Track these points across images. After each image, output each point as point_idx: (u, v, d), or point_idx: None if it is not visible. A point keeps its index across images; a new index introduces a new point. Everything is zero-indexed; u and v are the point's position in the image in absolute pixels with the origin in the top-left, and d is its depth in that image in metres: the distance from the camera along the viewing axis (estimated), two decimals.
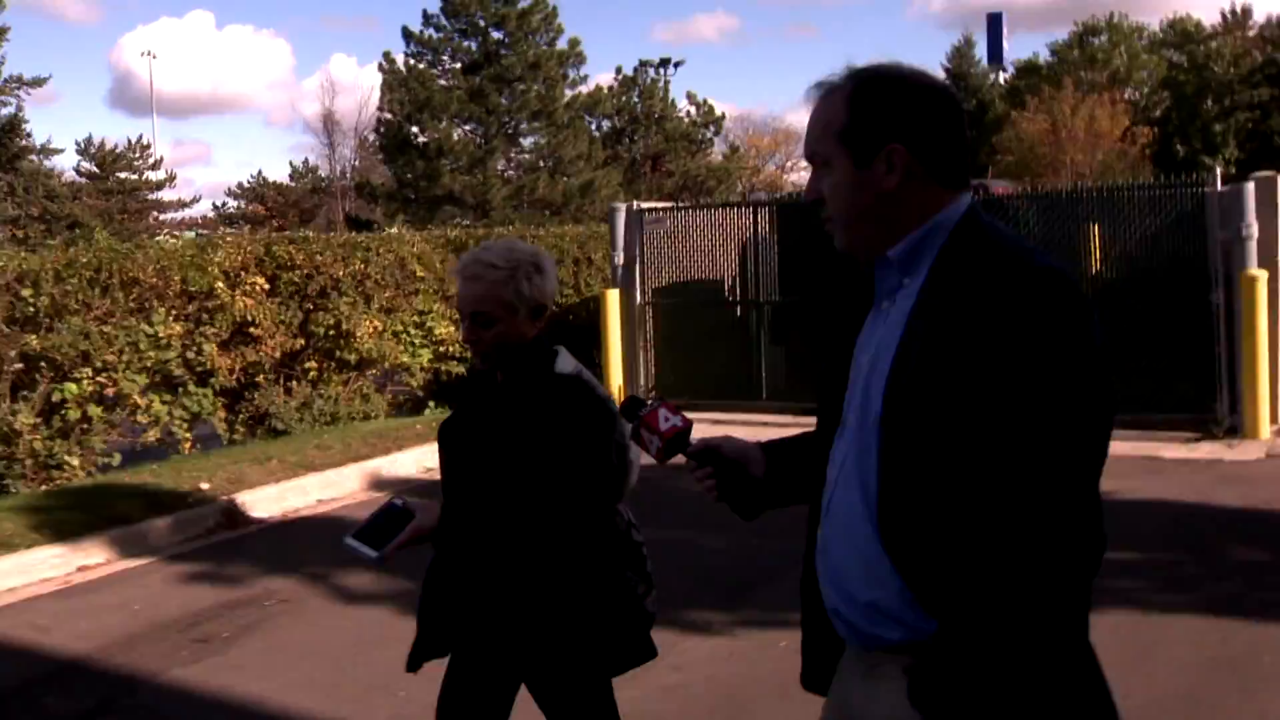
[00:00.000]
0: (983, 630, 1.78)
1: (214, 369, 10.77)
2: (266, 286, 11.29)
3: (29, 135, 38.66)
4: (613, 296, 12.80)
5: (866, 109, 1.94)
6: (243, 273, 11.09)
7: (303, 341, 11.67)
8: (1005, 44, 63.40)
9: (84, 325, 9.71)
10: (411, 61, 40.18)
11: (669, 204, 15.77)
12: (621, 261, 13.01)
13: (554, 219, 34.44)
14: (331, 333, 11.71)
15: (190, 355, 10.55)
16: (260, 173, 66.06)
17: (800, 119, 66.73)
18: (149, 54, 70.71)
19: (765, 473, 2.26)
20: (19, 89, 38.73)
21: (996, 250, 1.89)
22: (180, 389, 10.62)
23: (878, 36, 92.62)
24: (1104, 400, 1.83)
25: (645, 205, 13.92)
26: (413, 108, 39.28)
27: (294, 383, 11.76)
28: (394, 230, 14.06)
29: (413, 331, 12.72)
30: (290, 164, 75.17)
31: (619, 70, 48.36)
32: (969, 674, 1.79)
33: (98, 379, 9.80)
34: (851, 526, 1.96)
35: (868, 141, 1.94)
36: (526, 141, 41.36)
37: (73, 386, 9.63)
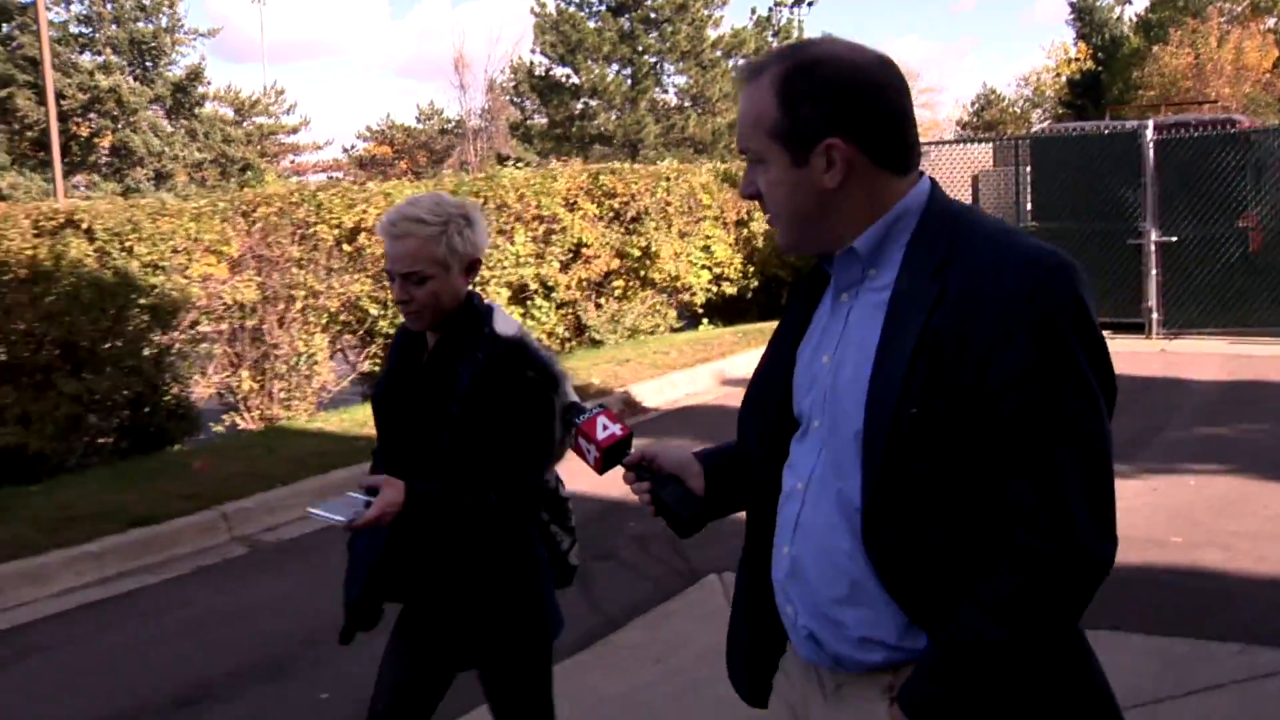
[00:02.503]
0: (990, 648, 1.68)
1: (555, 285, 12.24)
2: (596, 212, 12.71)
3: (208, 83, 40.58)
4: None
5: (797, 101, 1.75)
6: (579, 199, 12.51)
7: (618, 262, 13.08)
8: None
9: None
10: (561, 4, 41.45)
11: (934, 140, 16.87)
12: None
13: (700, 157, 35.69)
14: (640, 254, 13.13)
15: (540, 271, 12.03)
16: (389, 115, 67.85)
17: (910, 54, 66.76)
18: (260, 1, 71.35)
19: (705, 486, 2.10)
20: (195, 39, 40.77)
21: (982, 235, 1.76)
22: (529, 301, 12.11)
23: None
24: (1109, 392, 1.75)
25: None
26: (565, 50, 40.58)
27: (604, 299, 13.20)
28: (666, 162, 15.31)
29: (698, 254, 14.07)
30: (416, 106, 76.84)
31: (753, 11, 49.12)
32: (970, 683, 1.70)
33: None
34: (831, 547, 1.80)
35: (802, 137, 1.75)
36: (677, 81, 42.56)
37: None
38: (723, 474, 2.10)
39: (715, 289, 14.57)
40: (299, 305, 9.87)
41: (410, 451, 2.87)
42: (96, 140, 38.46)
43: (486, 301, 2.95)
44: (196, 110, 40.05)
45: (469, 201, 2.96)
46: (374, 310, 10.53)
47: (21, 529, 6.61)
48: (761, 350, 8.25)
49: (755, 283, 15.13)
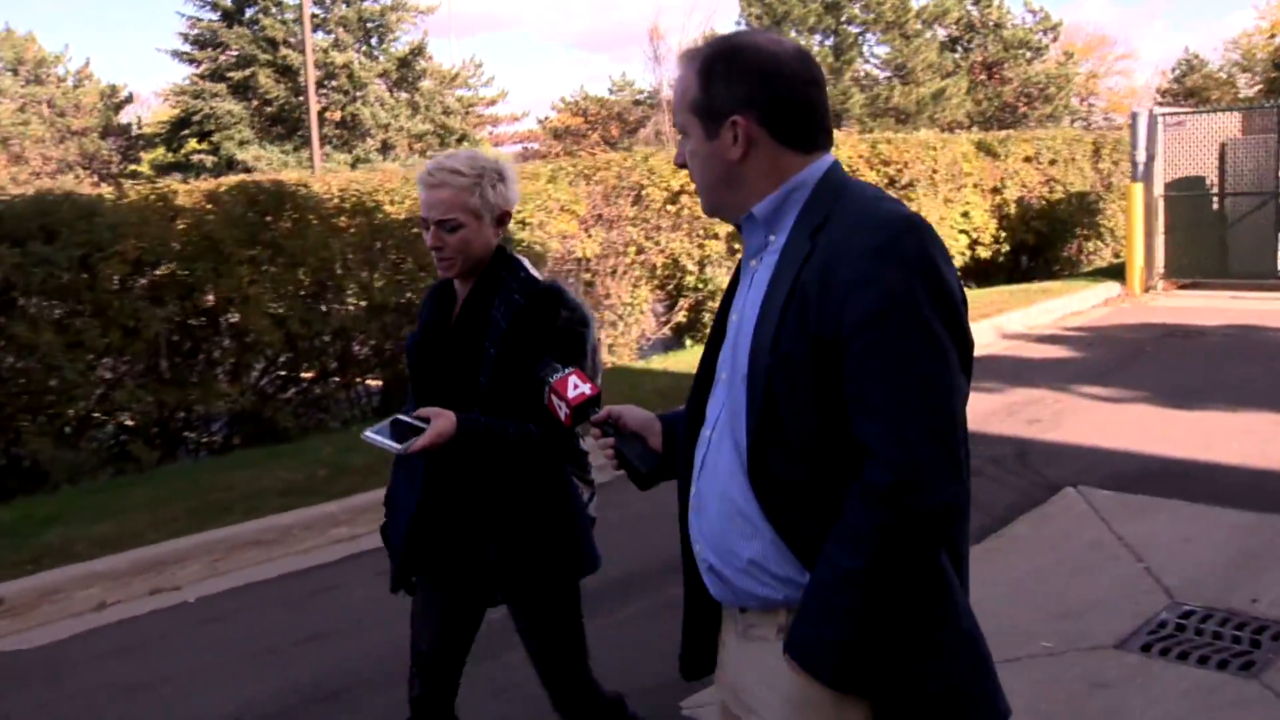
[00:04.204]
0: (850, 581, 1.81)
1: None
2: (875, 179, 13.67)
3: (430, 58, 42.52)
4: (1136, 190, 14.71)
5: (713, 82, 1.97)
6: (861, 165, 13.49)
7: None
8: None
9: None
10: None
11: (1186, 109, 17.39)
12: (1142, 160, 14.82)
13: (903, 126, 36.14)
14: None
15: None
16: (582, 87, 69.45)
17: (1100, 17, 64.87)
18: None
19: (664, 444, 2.29)
20: (416, 16, 42.78)
21: (854, 202, 1.93)
22: None
23: None
24: (962, 344, 1.87)
25: (1164, 110, 15.66)
26: (770, 21, 41.34)
27: None
28: (923, 133, 16.13)
29: (958, 219, 14.90)
30: (609, 78, 78.26)
31: None
32: (839, 625, 1.82)
33: None
34: (726, 483, 1.99)
35: (714, 113, 1.97)
36: (878, 52, 43.00)
37: None
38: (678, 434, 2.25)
39: (970, 253, 15.39)
40: (629, 260, 11.08)
41: (447, 397, 2.95)
42: (326, 114, 40.83)
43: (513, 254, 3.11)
44: (418, 84, 42.06)
45: (502, 158, 3.12)
46: (690, 266, 11.69)
47: None
48: (1029, 308, 9.54)
49: (1005, 247, 15.89)
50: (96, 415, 8.24)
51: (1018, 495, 6.77)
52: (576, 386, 2.39)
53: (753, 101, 1.96)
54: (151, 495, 7.03)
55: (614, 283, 11.06)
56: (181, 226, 8.38)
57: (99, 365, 8.02)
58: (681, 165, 2.10)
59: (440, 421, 2.81)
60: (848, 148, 13.56)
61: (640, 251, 11.16)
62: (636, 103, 64.88)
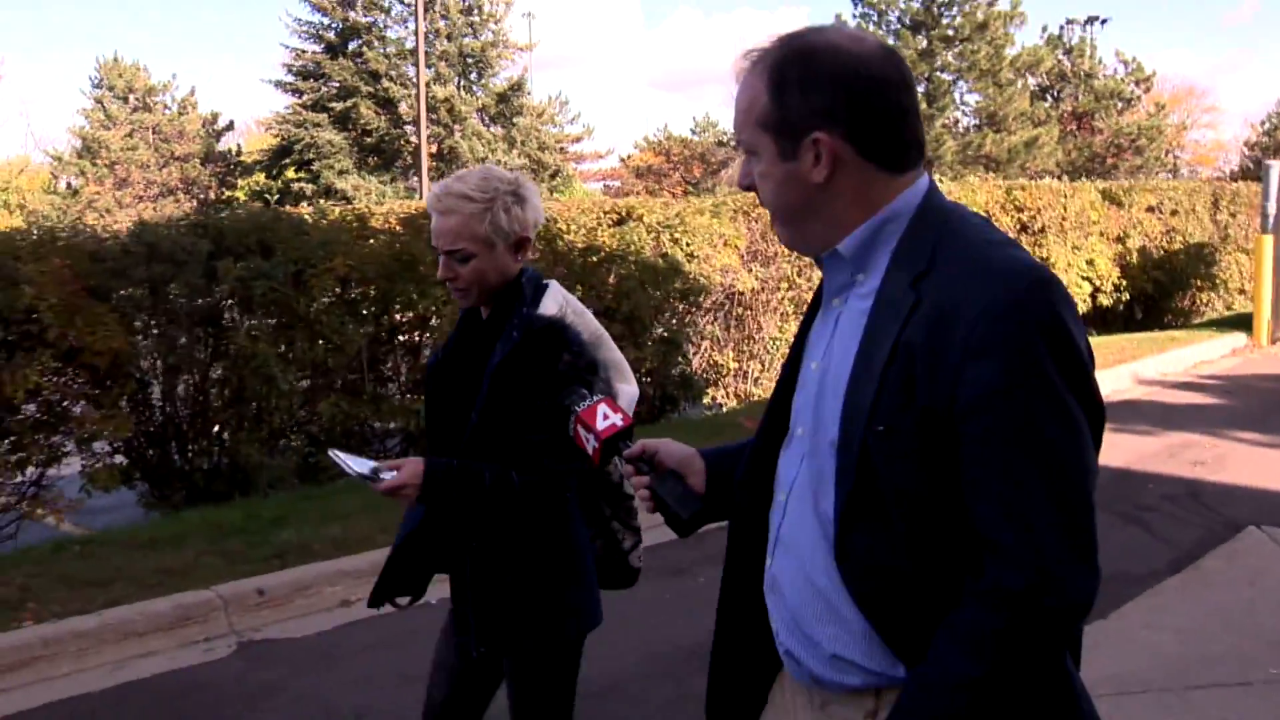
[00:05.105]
0: (963, 688, 1.59)
1: None
2: (1009, 224, 13.98)
3: (528, 93, 43.33)
4: (1266, 241, 14.86)
5: (787, 92, 1.69)
6: (996, 210, 13.79)
7: None
8: None
9: None
10: (860, 22, 42.65)
11: None
12: (1274, 211, 14.97)
13: (994, 175, 36.27)
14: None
15: None
16: (665, 126, 70.10)
17: (1186, 74, 64.16)
18: (529, 15, 69.02)
19: (706, 484, 2.03)
20: (515, 53, 43.67)
21: (966, 245, 1.67)
22: None
23: None
24: (1094, 414, 1.62)
25: None
26: None
27: None
28: (1046, 181, 16.38)
29: (1083, 266, 15.11)
30: (692, 118, 79.01)
31: (1044, 29, 49.19)
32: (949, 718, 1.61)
33: None
34: (808, 561, 1.75)
35: (790, 130, 1.70)
36: (969, 99, 43.28)
37: None
38: (726, 474, 2.02)
39: (1092, 301, 15.60)
40: (780, 295, 11.43)
41: (448, 430, 2.85)
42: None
43: (545, 280, 2.89)
44: (515, 119, 42.87)
45: (521, 176, 2.85)
46: None
47: None
48: (1162, 355, 9.73)
49: (1125, 296, 16.08)
50: (293, 425, 8.68)
51: (1201, 532, 6.99)
52: (606, 416, 2.14)
53: (836, 114, 1.68)
54: (365, 501, 7.40)
55: (764, 318, 11.40)
56: (374, 245, 8.79)
57: (303, 377, 8.46)
58: (747, 188, 1.81)
59: (410, 465, 2.67)
60: (983, 193, 13.86)
61: (791, 286, 11.49)
62: (720, 144, 65.50)
